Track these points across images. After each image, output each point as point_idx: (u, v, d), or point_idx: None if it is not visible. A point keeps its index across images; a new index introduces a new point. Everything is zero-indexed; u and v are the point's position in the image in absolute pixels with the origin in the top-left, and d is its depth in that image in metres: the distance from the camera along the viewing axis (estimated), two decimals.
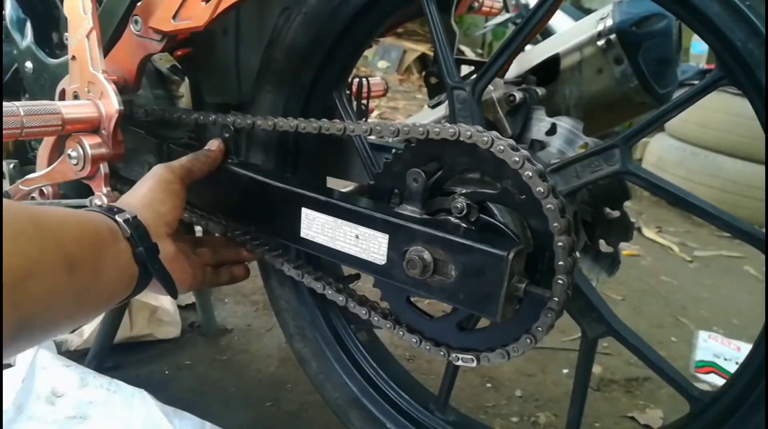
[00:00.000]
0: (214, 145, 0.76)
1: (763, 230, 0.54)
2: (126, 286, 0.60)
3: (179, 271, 0.67)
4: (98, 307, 0.58)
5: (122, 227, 0.60)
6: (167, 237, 0.67)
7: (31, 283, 0.45)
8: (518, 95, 0.70)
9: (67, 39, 0.75)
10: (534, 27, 0.60)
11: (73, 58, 0.75)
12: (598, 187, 0.67)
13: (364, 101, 0.99)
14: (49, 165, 0.82)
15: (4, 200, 0.45)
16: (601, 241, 0.70)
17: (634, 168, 0.57)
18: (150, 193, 0.68)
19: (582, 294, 0.61)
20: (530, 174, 0.54)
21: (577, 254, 0.59)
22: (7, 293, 0.42)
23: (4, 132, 0.64)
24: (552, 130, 0.69)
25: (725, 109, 2.40)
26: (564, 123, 0.68)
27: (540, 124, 0.70)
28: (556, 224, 0.53)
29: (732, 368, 1.32)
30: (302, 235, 0.66)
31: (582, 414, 0.66)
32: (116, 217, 0.61)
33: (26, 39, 0.89)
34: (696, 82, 2.49)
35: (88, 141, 0.72)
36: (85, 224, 0.57)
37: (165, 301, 1.24)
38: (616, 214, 0.68)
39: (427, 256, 0.56)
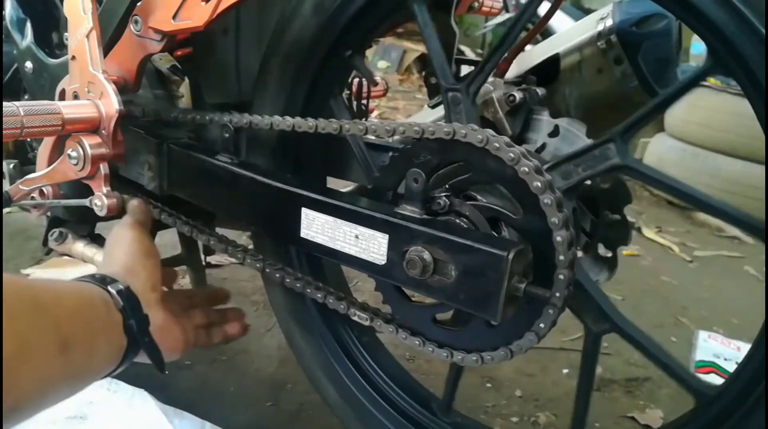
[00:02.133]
0: (135, 201, 0.77)
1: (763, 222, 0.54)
2: (115, 360, 0.60)
3: (169, 339, 0.69)
4: (87, 383, 0.58)
5: (115, 299, 0.61)
6: (156, 304, 0.68)
7: (24, 367, 0.44)
8: (518, 95, 0.70)
9: (67, 39, 0.75)
10: (522, 29, 0.60)
11: (73, 58, 0.75)
12: (598, 191, 0.67)
13: (364, 101, 0.99)
14: (49, 165, 0.82)
15: (4, 276, 0.44)
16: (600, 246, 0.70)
17: (632, 162, 0.57)
18: (130, 259, 0.69)
19: (584, 291, 0.61)
20: (527, 170, 0.54)
21: (578, 251, 0.59)
22: (9, 369, 0.42)
23: (4, 132, 0.64)
24: (555, 132, 0.69)
25: (725, 110, 2.40)
26: (566, 124, 0.68)
27: (542, 125, 0.70)
28: (554, 219, 0.53)
29: (732, 368, 1.32)
30: (302, 235, 0.66)
31: (587, 412, 0.66)
32: (109, 288, 0.62)
33: (26, 39, 0.89)
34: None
35: (88, 141, 0.72)
36: (81, 298, 0.57)
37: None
38: (616, 217, 0.68)
39: (427, 256, 0.56)
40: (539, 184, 0.53)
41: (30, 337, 0.46)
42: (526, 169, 0.53)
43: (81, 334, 0.53)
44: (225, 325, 0.82)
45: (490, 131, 0.55)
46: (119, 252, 0.70)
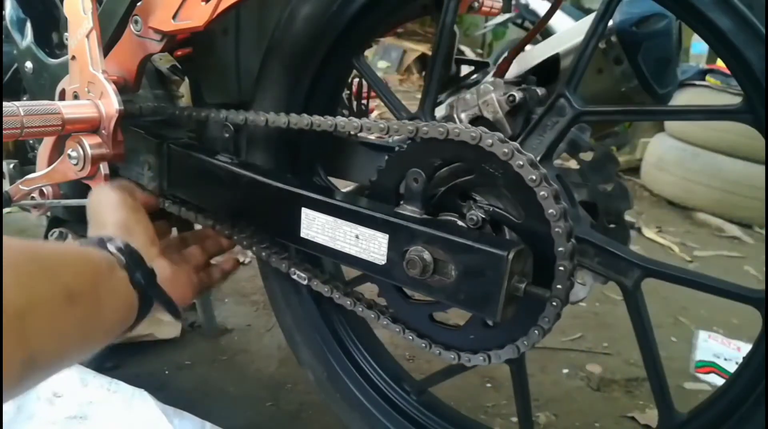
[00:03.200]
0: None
1: (762, 232, 0.54)
2: (127, 315, 0.60)
3: (178, 287, 0.68)
4: (102, 339, 0.57)
5: (117, 256, 0.60)
6: (158, 256, 0.68)
7: (34, 317, 0.45)
8: (518, 95, 0.70)
9: (67, 39, 0.75)
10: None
11: (73, 58, 0.75)
12: (599, 195, 0.67)
13: (364, 101, 0.99)
14: (49, 165, 0.82)
15: (4, 237, 0.45)
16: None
17: (587, 107, 0.58)
18: (122, 217, 0.68)
19: (601, 249, 0.60)
20: (521, 163, 0.54)
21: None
22: (11, 328, 0.42)
23: (4, 132, 0.64)
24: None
25: None
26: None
27: None
28: (551, 211, 0.53)
29: (732, 368, 1.32)
30: (302, 235, 0.66)
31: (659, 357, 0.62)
32: (108, 246, 0.61)
33: (26, 39, 0.89)
34: (696, 81, 2.46)
35: (88, 141, 0.72)
36: (83, 257, 0.57)
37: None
38: (613, 226, 0.68)
39: (427, 256, 0.56)
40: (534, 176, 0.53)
41: (36, 288, 0.46)
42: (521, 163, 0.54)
43: (86, 289, 0.53)
44: (222, 261, 0.81)
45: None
46: (108, 214, 0.69)
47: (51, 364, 0.48)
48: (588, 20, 0.79)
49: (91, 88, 0.73)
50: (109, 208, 0.69)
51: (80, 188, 0.78)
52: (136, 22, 0.71)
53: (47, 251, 0.52)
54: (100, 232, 0.66)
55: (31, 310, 0.44)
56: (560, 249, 0.54)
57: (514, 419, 1.12)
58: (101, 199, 0.71)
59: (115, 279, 0.59)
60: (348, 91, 1.02)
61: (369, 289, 0.70)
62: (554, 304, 0.55)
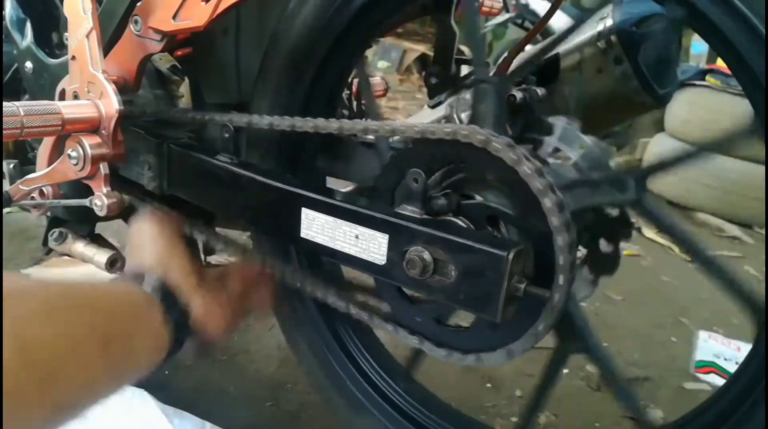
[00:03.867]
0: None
1: (762, 232, 0.54)
2: (159, 354, 0.60)
3: (212, 322, 0.67)
4: (131, 379, 0.57)
5: (152, 294, 0.61)
6: (195, 289, 0.66)
7: (69, 364, 0.45)
8: (518, 95, 0.70)
9: (67, 39, 0.75)
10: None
11: (73, 58, 0.75)
12: (603, 217, 0.67)
13: (364, 101, 0.99)
14: (49, 165, 0.82)
15: (32, 276, 0.45)
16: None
17: (646, 202, 0.58)
18: (159, 251, 0.68)
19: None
20: (528, 171, 0.53)
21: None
22: (46, 378, 0.42)
23: (4, 132, 0.64)
24: (548, 131, 0.69)
25: (725, 110, 2.40)
26: (560, 122, 0.68)
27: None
28: (554, 219, 0.53)
29: (732, 368, 1.32)
30: (302, 235, 0.66)
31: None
32: (144, 284, 0.62)
33: (26, 39, 0.89)
34: (696, 81, 2.47)
35: (88, 141, 0.72)
36: (117, 297, 0.57)
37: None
38: (609, 249, 0.68)
39: (427, 256, 0.56)
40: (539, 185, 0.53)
41: (75, 335, 0.46)
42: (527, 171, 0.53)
43: (120, 332, 0.53)
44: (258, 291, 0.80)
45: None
46: (146, 247, 0.69)
47: (80, 407, 0.49)
48: (588, 20, 0.80)
49: (91, 88, 0.73)
50: (148, 240, 0.69)
51: (80, 188, 0.78)
52: (136, 22, 0.71)
53: (79, 290, 0.52)
54: (138, 265, 0.66)
55: (67, 357, 0.44)
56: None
57: (514, 419, 1.12)
58: (141, 230, 0.71)
59: (149, 318, 0.59)
60: (348, 91, 1.02)
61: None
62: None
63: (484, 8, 1.05)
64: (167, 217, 0.76)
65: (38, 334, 0.42)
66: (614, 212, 0.67)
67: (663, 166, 0.59)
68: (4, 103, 0.65)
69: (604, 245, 0.68)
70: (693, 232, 2.32)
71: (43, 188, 0.83)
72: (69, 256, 0.93)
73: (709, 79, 2.52)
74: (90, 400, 0.50)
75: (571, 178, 0.64)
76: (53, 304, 0.46)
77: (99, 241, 0.94)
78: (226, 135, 0.79)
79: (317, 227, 0.64)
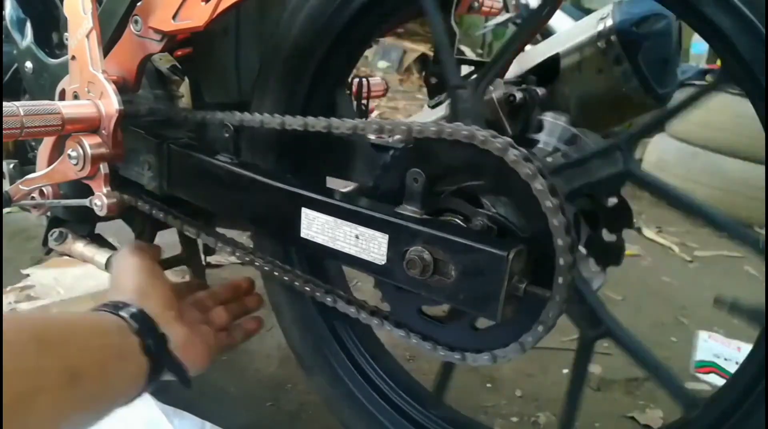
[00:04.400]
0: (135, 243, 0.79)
1: (762, 232, 0.54)
2: (137, 382, 0.60)
3: (192, 353, 0.68)
4: (108, 409, 0.58)
5: (129, 323, 0.61)
6: (174, 321, 0.67)
7: (35, 403, 0.45)
8: (518, 95, 0.70)
9: (67, 39, 0.75)
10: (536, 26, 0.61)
11: (73, 58, 0.75)
12: (602, 209, 0.67)
13: (364, 101, 0.99)
14: (49, 165, 0.82)
15: (5, 316, 0.45)
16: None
17: (635, 169, 0.57)
18: (139, 282, 0.69)
19: (580, 296, 0.61)
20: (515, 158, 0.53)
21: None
22: (11, 416, 0.42)
23: (4, 132, 0.64)
24: (539, 127, 0.69)
25: (725, 110, 2.40)
26: (550, 118, 0.68)
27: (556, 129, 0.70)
28: (548, 203, 0.53)
29: (732, 368, 1.32)
30: (302, 235, 0.66)
31: (575, 416, 0.66)
32: (121, 313, 0.61)
33: (26, 39, 0.89)
34: (697, 82, 2.47)
35: (88, 141, 0.72)
36: (91, 327, 0.58)
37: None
38: (613, 238, 0.68)
39: (427, 256, 0.56)
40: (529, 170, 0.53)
41: (37, 373, 0.46)
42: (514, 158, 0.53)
43: (91, 363, 0.53)
44: (244, 321, 0.81)
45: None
46: (127, 278, 0.70)
47: None
48: (588, 20, 0.80)
49: (91, 88, 0.73)
50: (128, 273, 0.70)
51: (80, 188, 0.78)
52: (136, 22, 0.71)
53: (52, 328, 0.52)
54: (118, 297, 0.66)
55: (34, 396, 0.45)
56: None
57: (515, 419, 1.12)
58: (122, 264, 0.72)
59: (125, 346, 0.59)
60: (348, 91, 1.02)
61: None
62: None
63: (484, 8, 1.05)
64: (148, 251, 0.76)
65: (7, 379, 0.42)
66: (613, 201, 0.67)
67: (647, 129, 0.59)
68: (4, 103, 0.65)
69: (606, 235, 0.68)
70: (691, 231, 2.33)
71: (43, 188, 0.83)
72: (69, 256, 0.93)
73: (709, 79, 2.52)
74: None
75: (558, 163, 0.64)
76: (23, 348, 0.46)
77: (99, 241, 0.94)
78: (226, 135, 0.79)
79: (317, 227, 0.64)
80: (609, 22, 0.76)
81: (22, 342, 0.46)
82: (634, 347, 0.62)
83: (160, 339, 0.63)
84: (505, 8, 1.11)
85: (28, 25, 0.89)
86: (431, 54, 0.80)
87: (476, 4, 1.02)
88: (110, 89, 0.72)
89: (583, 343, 0.64)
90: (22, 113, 0.65)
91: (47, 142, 0.84)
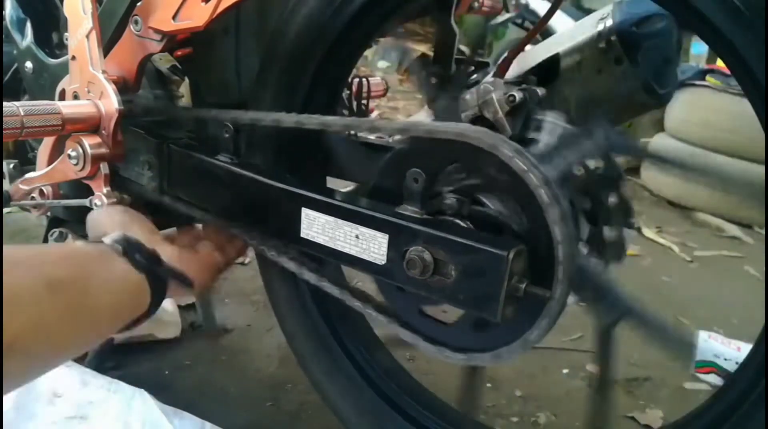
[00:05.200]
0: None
1: (762, 232, 0.54)
2: (136, 299, 0.59)
3: (192, 264, 0.67)
4: (104, 326, 0.57)
5: (113, 247, 0.59)
6: (161, 242, 0.66)
7: (10, 306, 0.44)
8: (518, 95, 0.70)
9: (67, 39, 0.75)
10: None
11: (73, 58, 0.75)
12: (601, 206, 0.67)
13: (364, 101, 0.99)
14: (49, 165, 0.82)
15: None
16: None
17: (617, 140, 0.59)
18: (118, 220, 0.67)
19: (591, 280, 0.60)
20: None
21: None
22: None
23: (4, 132, 0.64)
24: (539, 127, 0.69)
25: (725, 110, 2.40)
26: (548, 118, 0.68)
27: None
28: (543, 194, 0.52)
29: (732, 368, 1.32)
30: (302, 235, 0.66)
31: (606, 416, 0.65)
32: (103, 239, 0.60)
33: (26, 39, 0.89)
34: (696, 81, 2.46)
35: (88, 141, 0.72)
36: (70, 250, 0.57)
37: (165, 302, 1.24)
38: (613, 236, 0.68)
39: (427, 256, 0.56)
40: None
41: (12, 279, 0.45)
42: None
43: (71, 275, 0.52)
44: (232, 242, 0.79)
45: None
46: (104, 222, 0.68)
47: (34, 351, 0.47)
48: (588, 20, 0.80)
49: (91, 88, 0.73)
50: (104, 217, 0.69)
51: (80, 188, 0.78)
52: (136, 22, 0.72)
53: (29, 248, 0.52)
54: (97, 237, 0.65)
55: (7, 301, 0.44)
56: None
57: (515, 419, 1.12)
58: (94, 215, 0.71)
59: (111, 265, 0.57)
60: (348, 91, 1.02)
61: None
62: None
63: (484, 8, 1.05)
64: (121, 200, 0.75)
65: None
66: (613, 199, 0.67)
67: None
68: (4, 103, 0.65)
69: (607, 233, 0.68)
70: (691, 231, 2.33)
71: (43, 188, 0.83)
72: None
73: (709, 79, 2.52)
74: (46, 344, 0.49)
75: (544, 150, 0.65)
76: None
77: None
78: (226, 135, 0.79)
79: (317, 227, 0.64)
80: (609, 22, 0.76)
81: None
82: (656, 324, 0.60)
83: (150, 254, 0.61)
84: (505, 8, 1.11)
85: (28, 25, 0.89)
86: (431, 54, 0.80)
87: (476, 4, 1.02)
88: (110, 89, 0.72)
89: (603, 333, 0.62)
90: (22, 113, 0.66)
91: (47, 142, 0.84)
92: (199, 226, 0.81)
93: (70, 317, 0.51)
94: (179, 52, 0.83)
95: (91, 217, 0.71)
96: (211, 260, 0.72)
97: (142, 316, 0.61)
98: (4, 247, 0.47)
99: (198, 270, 0.68)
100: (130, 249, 0.59)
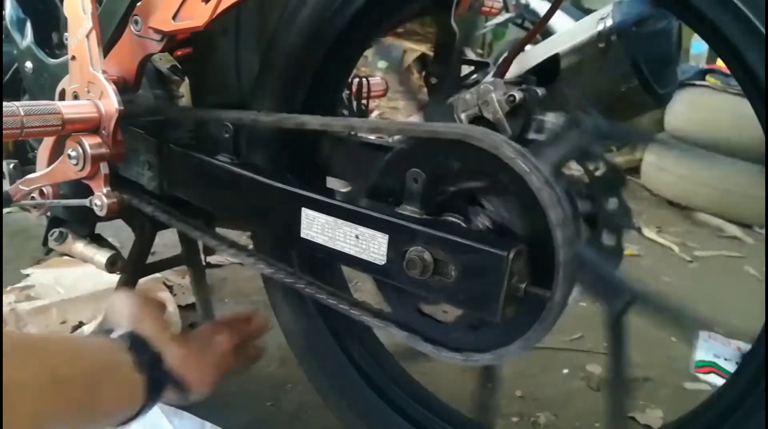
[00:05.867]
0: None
1: (762, 232, 0.54)
2: (133, 399, 0.60)
3: (194, 371, 0.67)
4: (100, 424, 0.57)
5: (121, 342, 0.61)
6: (170, 341, 0.66)
7: (14, 397, 0.44)
8: (518, 95, 0.70)
9: (67, 39, 0.75)
10: None
11: (73, 58, 0.75)
12: (601, 211, 0.67)
13: (364, 101, 0.99)
14: (49, 165, 0.82)
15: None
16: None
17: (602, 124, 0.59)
18: (132, 310, 0.67)
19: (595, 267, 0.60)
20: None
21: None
22: None
23: (4, 132, 0.64)
24: (539, 128, 0.69)
25: (725, 109, 2.40)
26: (550, 118, 0.69)
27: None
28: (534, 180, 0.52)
29: (732, 368, 1.32)
30: (302, 235, 0.66)
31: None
32: (111, 335, 0.61)
33: (26, 39, 0.89)
34: (696, 81, 2.47)
35: (88, 141, 0.72)
36: (79, 344, 0.58)
37: (165, 302, 1.24)
38: (611, 243, 0.68)
39: (427, 256, 0.56)
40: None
41: (20, 371, 0.46)
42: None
43: (77, 371, 0.53)
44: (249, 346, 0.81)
45: None
46: (120, 309, 0.69)
47: None
48: (588, 20, 0.80)
49: (91, 88, 0.73)
50: (120, 306, 0.69)
51: (80, 188, 0.78)
52: (136, 22, 0.71)
53: (35, 338, 0.53)
54: (110, 325, 0.66)
55: (11, 390, 0.44)
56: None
57: (515, 419, 1.12)
58: (113, 301, 0.71)
59: (116, 363, 0.59)
60: (348, 91, 1.02)
61: None
62: None
63: (484, 8, 1.05)
64: (141, 292, 0.76)
65: None
66: (613, 203, 0.67)
67: None
68: (4, 103, 0.65)
69: (606, 238, 0.68)
70: (691, 231, 2.32)
71: (43, 188, 0.83)
72: (69, 256, 0.93)
73: (709, 79, 2.52)
74: None
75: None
76: (4, 348, 0.46)
77: (99, 241, 0.94)
78: (226, 135, 0.79)
79: (317, 227, 0.64)
80: (609, 22, 0.76)
81: (6, 345, 0.46)
82: (665, 306, 0.58)
83: (154, 355, 0.62)
84: (505, 8, 1.11)
85: (28, 25, 0.89)
86: (431, 54, 0.80)
87: (476, 4, 1.02)
88: (110, 89, 0.72)
89: (612, 321, 0.60)
90: (22, 113, 0.65)
91: (47, 142, 0.84)
92: (219, 321, 0.82)
93: (69, 415, 0.52)
94: (179, 52, 0.83)
95: (109, 304, 0.71)
96: (222, 363, 0.72)
97: (131, 418, 0.61)
98: (8, 332, 0.48)
99: (201, 375, 0.68)
100: (135, 347, 0.61)
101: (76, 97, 0.75)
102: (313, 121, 0.66)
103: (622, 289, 0.59)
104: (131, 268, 0.96)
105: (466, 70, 0.94)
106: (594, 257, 0.60)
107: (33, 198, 0.85)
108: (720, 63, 2.59)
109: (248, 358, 0.80)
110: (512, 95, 0.70)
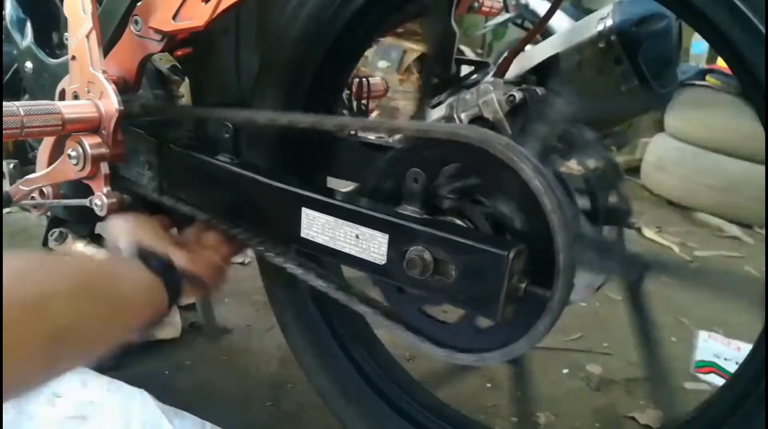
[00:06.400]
0: None
1: (762, 232, 0.54)
2: (155, 299, 0.63)
3: (203, 268, 0.71)
4: (130, 323, 0.60)
5: (129, 255, 0.65)
6: (171, 245, 0.70)
7: (55, 299, 0.48)
8: (518, 95, 0.70)
9: (67, 39, 0.75)
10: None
11: (73, 58, 0.75)
12: (602, 207, 0.67)
13: (364, 101, 0.99)
14: (49, 165, 0.82)
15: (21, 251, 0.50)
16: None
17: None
18: (128, 229, 0.72)
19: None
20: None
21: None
22: (35, 307, 0.46)
23: (4, 132, 0.64)
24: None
25: (726, 109, 2.40)
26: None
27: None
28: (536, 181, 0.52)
29: (732, 368, 1.32)
30: (302, 235, 0.66)
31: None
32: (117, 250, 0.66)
33: (26, 39, 0.89)
34: (696, 81, 2.47)
35: (88, 141, 0.72)
36: (97, 259, 0.64)
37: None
38: (614, 199, 0.68)
39: (427, 256, 0.56)
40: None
41: (53, 276, 0.51)
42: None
43: (103, 274, 0.58)
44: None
45: None
46: (118, 229, 0.73)
47: (77, 344, 0.51)
48: (588, 20, 0.80)
49: (91, 88, 0.73)
50: (118, 227, 0.73)
51: (80, 188, 0.78)
52: (136, 22, 0.72)
53: (66, 259, 0.60)
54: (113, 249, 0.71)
55: (53, 293, 0.48)
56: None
57: (515, 419, 1.12)
58: (110, 227, 0.75)
59: (132, 269, 0.63)
60: (348, 91, 1.02)
61: None
62: None
63: (484, 8, 1.05)
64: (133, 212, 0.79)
65: (28, 281, 0.47)
66: (613, 199, 0.67)
67: None
68: (4, 103, 0.65)
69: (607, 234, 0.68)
70: (691, 231, 2.32)
71: (43, 188, 0.83)
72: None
73: (709, 79, 2.52)
74: (86, 338, 0.53)
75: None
76: (32, 261, 0.51)
77: (99, 241, 0.94)
78: (226, 135, 0.79)
79: (317, 227, 0.64)
80: (609, 22, 0.76)
81: (34, 261, 0.52)
82: (685, 270, 0.59)
83: (164, 262, 0.66)
84: (505, 8, 1.11)
85: (28, 25, 0.89)
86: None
87: (476, 4, 1.02)
88: (110, 89, 0.72)
89: (631, 292, 0.60)
90: (22, 113, 0.65)
91: (47, 142, 0.84)
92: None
93: (107, 311, 0.56)
94: (179, 52, 0.83)
95: (108, 228, 0.76)
96: (223, 253, 0.76)
97: (161, 314, 0.64)
98: (41, 252, 0.53)
99: (212, 269, 0.73)
100: (144, 257, 0.65)
101: (76, 97, 0.75)
102: (305, 120, 0.66)
103: (635, 259, 0.59)
104: None
105: (466, 70, 0.94)
106: (599, 237, 0.60)
107: (33, 198, 0.85)
108: (720, 63, 2.60)
109: (238, 245, 0.80)
110: (512, 95, 0.70)
